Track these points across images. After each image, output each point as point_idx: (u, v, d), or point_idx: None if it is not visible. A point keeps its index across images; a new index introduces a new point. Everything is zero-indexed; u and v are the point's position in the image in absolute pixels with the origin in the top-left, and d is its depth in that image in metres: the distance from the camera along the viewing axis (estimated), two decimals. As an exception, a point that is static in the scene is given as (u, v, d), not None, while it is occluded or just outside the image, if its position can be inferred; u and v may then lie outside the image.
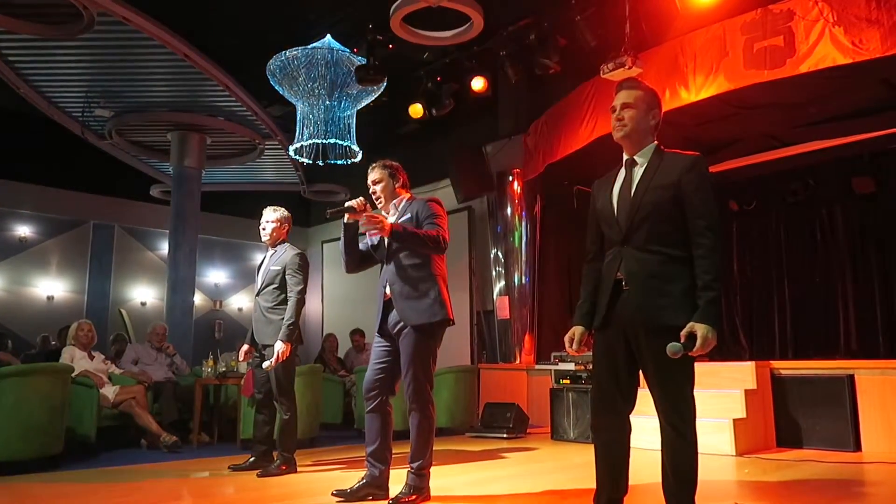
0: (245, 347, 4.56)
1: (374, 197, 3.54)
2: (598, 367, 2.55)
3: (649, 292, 2.39)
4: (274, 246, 4.58)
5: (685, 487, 2.38)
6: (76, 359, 5.76)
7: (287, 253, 4.50)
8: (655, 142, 2.56)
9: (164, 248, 10.45)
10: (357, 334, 8.58)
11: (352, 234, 3.49)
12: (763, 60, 5.40)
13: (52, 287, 10.16)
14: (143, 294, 11.06)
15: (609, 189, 2.59)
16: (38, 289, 10.06)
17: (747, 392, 5.27)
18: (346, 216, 3.42)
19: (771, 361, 5.74)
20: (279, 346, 4.21)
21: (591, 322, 2.58)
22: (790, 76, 5.29)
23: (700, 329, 2.26)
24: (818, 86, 5.64)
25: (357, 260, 3.55)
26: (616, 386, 2.48)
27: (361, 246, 3.58)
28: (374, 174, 3.55)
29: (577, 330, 2.61)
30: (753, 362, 5.53)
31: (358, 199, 3.42)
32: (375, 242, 3.54)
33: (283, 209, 4.64)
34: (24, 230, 10.00)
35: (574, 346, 2.59)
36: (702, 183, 2.42)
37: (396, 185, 3.56)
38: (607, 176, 2.66)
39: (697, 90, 5.84)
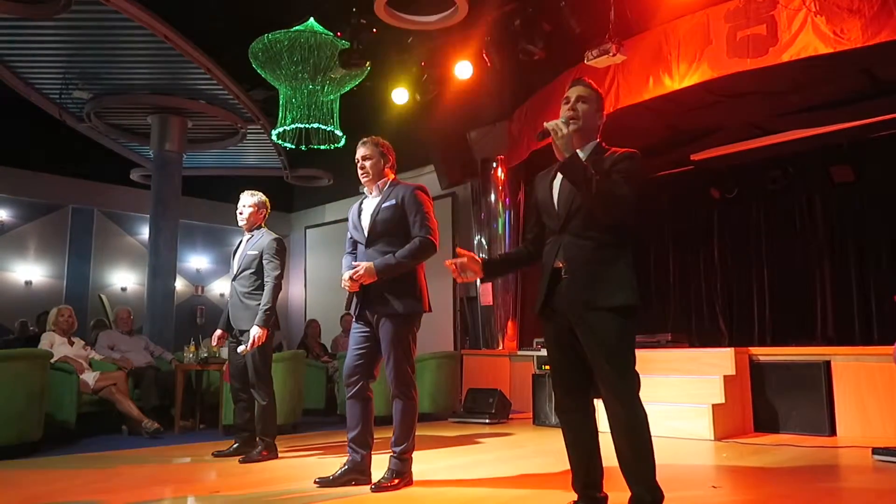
0: (218, 332, 4.54)
1: (360, 173, 3.50)
2: (550, 353, 2.67)
3: (587, 276, 2.47)
4: (251, 231, 4.55)
5: (643, 463, 2.39)
6: (56, 345, 5.70)
7: (264, 238, 4.46)
8: (598, 139, 2.66)
9: (144, 232, 10.34)
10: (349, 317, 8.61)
11: None
12: (746, 49, 5.43)
13: (30, 272, 10.02)
14: (124, 279, 10.94)
15: (549, 181, 2.69)
16: (15, 273, 9.91)
17: (726, 378, 5.35)
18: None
19: (749, 348, 5.82)
20: (255, 331, 4.20)
21: (489, 262, 2.81)
22: (772, 65, 5.32)
23: None
24: (800, 75, 5.68)
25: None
26: (570, 368, 2.57)
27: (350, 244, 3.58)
28: (364, 150, 3.51)
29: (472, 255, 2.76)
30: (732, 348, 5.60)
31: None
32: (357, 236, 3.52)
33: (260, 194, 4.60)
34: (1, 214, 9.82)
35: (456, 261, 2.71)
36: (630, 173, 2.48)
37: (385, 166, 3.52)
38: (548, 170, 2.77)
39: (681, 78, 5.85)
